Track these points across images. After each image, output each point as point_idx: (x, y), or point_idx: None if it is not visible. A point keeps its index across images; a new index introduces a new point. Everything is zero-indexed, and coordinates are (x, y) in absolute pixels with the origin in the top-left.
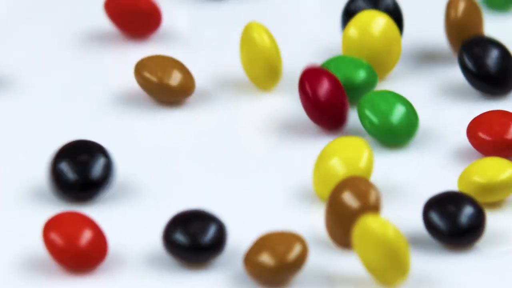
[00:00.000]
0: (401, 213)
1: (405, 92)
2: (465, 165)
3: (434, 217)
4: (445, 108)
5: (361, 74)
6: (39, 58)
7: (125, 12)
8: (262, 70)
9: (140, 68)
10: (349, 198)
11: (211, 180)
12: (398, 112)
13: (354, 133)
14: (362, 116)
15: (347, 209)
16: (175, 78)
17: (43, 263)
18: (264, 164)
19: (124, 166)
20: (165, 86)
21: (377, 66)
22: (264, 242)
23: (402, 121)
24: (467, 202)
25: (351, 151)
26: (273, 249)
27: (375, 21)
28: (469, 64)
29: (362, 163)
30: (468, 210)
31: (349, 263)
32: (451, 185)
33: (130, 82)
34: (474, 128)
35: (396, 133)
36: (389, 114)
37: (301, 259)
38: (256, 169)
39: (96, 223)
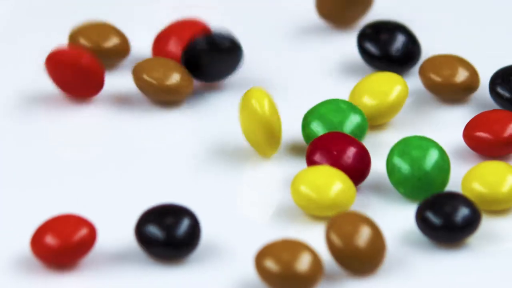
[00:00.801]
0: (397, 212)
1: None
2: (463, 165)
3: (429, 214)
4: (441, 109)
5: (354, 119)
6: None
7: (66, 72)
8: (261, 138)
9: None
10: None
11: (199, 181)
12: (431, 160)
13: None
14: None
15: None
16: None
17: (30, 262)
18: (254, 170)
19: (114, 166)
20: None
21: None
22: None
23: (436, 172)
24: (461, 200)
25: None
26: (279, 256)
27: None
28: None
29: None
30: (462, 208)
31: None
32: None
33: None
34: (471, 129)
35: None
36: (422, 163)
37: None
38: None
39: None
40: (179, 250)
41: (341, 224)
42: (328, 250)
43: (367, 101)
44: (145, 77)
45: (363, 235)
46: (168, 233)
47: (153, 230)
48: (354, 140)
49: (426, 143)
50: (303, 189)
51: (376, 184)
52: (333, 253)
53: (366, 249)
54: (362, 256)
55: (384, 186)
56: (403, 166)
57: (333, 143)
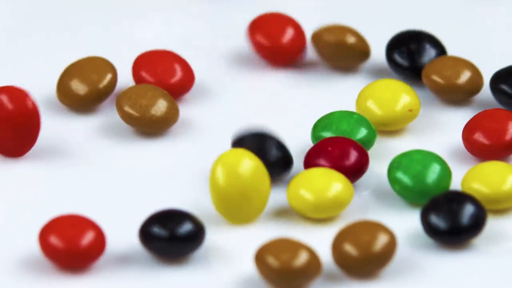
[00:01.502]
0: (399, 215)
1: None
2: (464, 166)
3: (433, 215)
4: (441, 111)
5: (362, 131)
6: None
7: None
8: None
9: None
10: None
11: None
12: (433, 172)
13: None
14: (393, 180)
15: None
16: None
17: (37, 264)
18: None
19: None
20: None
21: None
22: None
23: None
24: (467, 200)
25: None
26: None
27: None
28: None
29: None
30: (468, 207)
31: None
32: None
33: None
34: (469, 132)
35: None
36: (424, 175)
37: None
38: None
39: (95, 222)
40: (185, 245)
41: (357, 233)
42: (338, 259)
43: (373, 107)
44: (127, 109)
45: (380, 242)
46: (173, 231)
47: (158, 230)
48: (348, 139)
49: (428, 157)
50: (300, 192)
51: (376, 186)
52: (346, 262)
53: (381, 255)
54: (377, 262)
55: (384, 188)
56: (405, 179)
57: (329, 145)
